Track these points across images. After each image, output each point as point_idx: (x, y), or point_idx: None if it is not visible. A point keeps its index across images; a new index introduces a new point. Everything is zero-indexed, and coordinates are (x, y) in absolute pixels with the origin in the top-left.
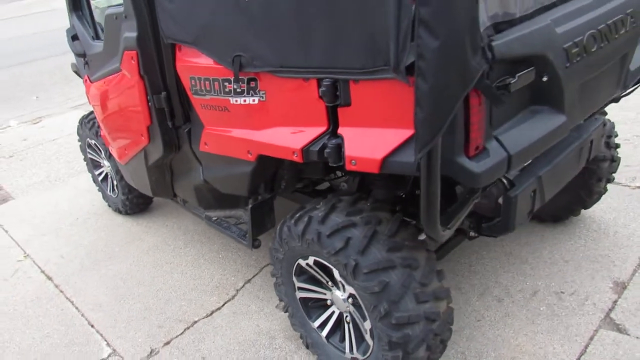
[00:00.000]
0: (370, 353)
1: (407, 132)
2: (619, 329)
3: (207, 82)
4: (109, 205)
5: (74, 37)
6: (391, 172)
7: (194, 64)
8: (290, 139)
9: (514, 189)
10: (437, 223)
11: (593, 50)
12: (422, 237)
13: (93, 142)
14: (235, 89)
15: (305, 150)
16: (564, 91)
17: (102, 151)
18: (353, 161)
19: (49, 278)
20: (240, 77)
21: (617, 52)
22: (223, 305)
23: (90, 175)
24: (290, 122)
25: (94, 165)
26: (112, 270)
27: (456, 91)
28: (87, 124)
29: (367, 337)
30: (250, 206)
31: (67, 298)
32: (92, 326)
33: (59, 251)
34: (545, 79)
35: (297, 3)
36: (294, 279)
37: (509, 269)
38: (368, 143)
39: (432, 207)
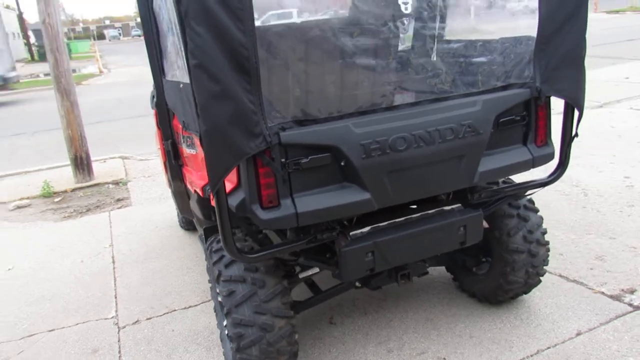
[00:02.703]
0: None
1: (234, 183)
2: None
3: (180, 136)
4: (178, 221)
5: (153, 97)
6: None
7: (176, 123)
8: (200, 180)
9: (347, 245)
10: (230, 245)
11: (402, 149)
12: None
13: None
14: (187, 143)
15: (203, 188)
16: (362, 176)
17: None
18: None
19: (113, 262)
20: (186, 135)
21: (447, 153)
22: (199, 304)
23: None
24: (205, 169)
25: None
26: (153, 265)
27: (227, 161)
28: None
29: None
30: (203, 227)
31: (114, 277)
32: (116, 297)
33: (130, 246)
34: (343, 164)
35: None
36: (215, 284)
37: (420, 330)
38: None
39: (225, 232)
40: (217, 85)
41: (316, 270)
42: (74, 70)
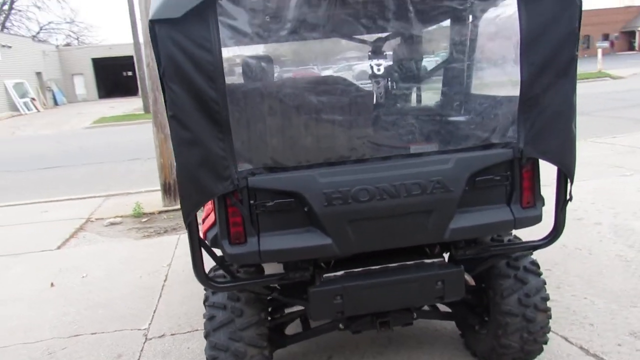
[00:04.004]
0: None
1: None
2: None
3: None
4: None
5: None
6: (206, 241)
7: None
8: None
9: (316, 286)
10: (199, 271)
11: (364, 200)
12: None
13: None
14: None
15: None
16: (323, 222)
17: None
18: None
19: (165, 280)
20: None
21: (412, 207)
22: None
23: None
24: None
25: None
26: (196, 287)
27: (196, 198)
28: None
29: None
30: None
31: (160, 294)
32: (154, 312)
33: (185, 267)
34: (306, 209)
35: None
36: None
37: None
38: (207, 224)
39: (195, 259)
40: (189, 133)
41: (301, 307)
42: None
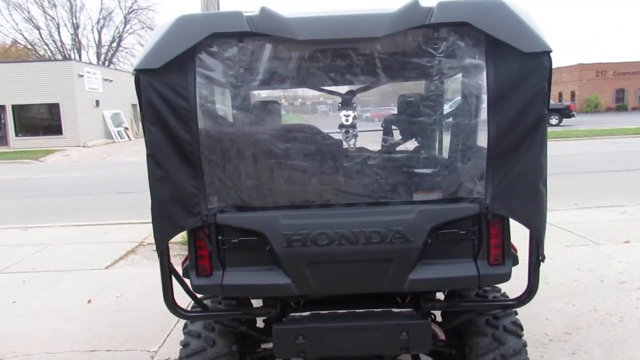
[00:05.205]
0: None
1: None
2: None
3: None
4: None
5: None
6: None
7: None
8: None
9: (280, 324)
10: (168, 299)
11: (323, 244)
12: None
13: None
14: None
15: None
16: (282, 262)
17: None
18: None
19: (188, 305)
20: None
21: (370, 255)
22: None
23: None
24: None
25: None
26: None
27: (167, 230)
28: None
29: None
30: None
31: (179, 319)
32: (168, 335)
33: None
34: (268, 248)
35: None
36: None
37: None
38: (185, 256)
39: (165, 287)
40: (162, 171)
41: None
42: None
